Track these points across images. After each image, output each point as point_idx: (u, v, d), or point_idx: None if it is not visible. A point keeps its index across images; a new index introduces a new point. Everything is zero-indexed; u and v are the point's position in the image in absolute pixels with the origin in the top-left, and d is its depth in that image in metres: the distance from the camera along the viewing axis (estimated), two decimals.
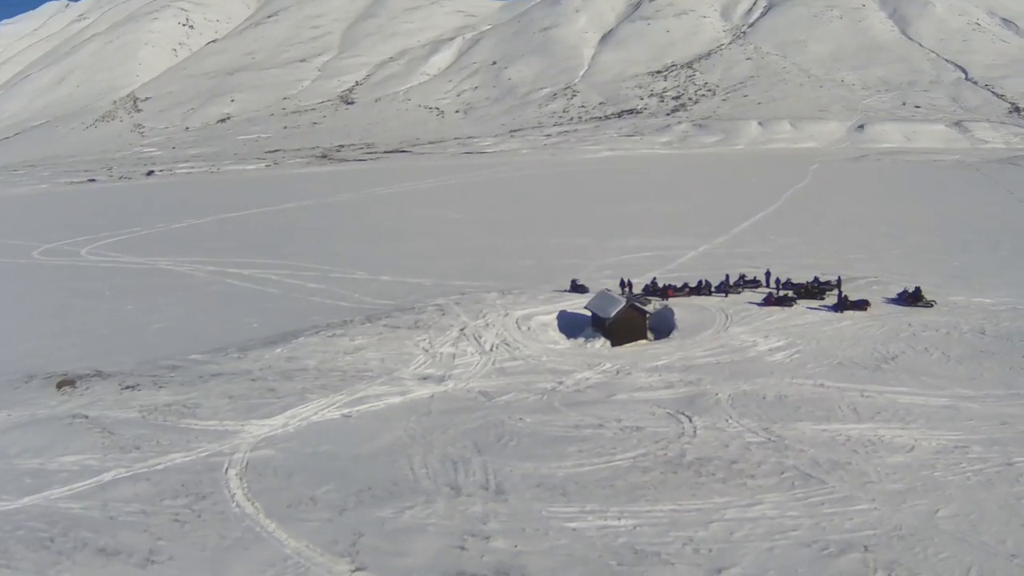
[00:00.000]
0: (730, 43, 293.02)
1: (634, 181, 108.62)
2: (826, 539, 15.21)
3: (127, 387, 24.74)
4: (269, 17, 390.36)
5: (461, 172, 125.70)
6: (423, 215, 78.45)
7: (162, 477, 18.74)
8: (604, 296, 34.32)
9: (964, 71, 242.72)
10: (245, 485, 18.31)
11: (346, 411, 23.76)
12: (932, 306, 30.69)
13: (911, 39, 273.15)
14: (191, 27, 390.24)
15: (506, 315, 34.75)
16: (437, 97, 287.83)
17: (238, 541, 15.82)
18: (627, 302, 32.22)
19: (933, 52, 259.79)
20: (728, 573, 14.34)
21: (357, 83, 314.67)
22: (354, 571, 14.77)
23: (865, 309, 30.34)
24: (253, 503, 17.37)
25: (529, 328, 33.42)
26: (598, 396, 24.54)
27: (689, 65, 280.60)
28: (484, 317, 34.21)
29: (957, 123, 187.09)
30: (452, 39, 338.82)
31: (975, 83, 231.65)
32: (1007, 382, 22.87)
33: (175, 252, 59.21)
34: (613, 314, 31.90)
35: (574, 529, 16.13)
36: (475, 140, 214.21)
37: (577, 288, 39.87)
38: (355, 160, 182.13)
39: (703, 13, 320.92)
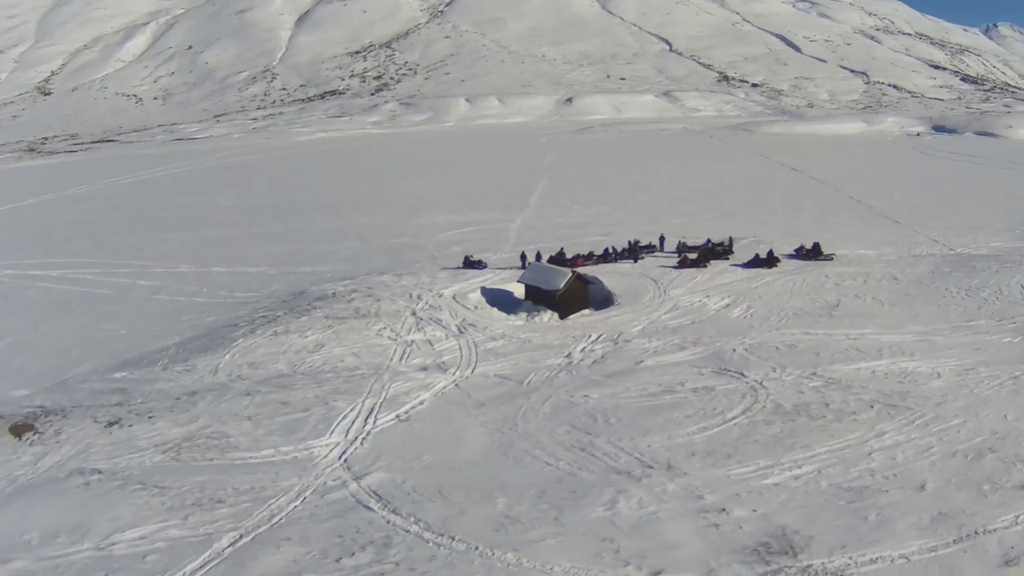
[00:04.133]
0: (427, 22, 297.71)
1: (375, 160, 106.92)
2: (958, 449, 17.82)
3: (110, 423, 18.26)
4: None
5: (186, 159, 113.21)
6: (189, 202, 69.65)
7: (300, 533, 14.82)
8: (541, 268, 34.33)
9: (668, 43, 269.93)
10: (414, 519, 15.34)
11: (399, 415, 20.93)
12: (832, 259, 35.67)
13: (612, 14, 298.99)
14: None
15: (440, 295, 33.07)
16: (134, 84, 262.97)
17: None
18: (572, 273, 32.90)
19: (635, 26, 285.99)
20: (929, 488, 16.20)
21: (53, 73, 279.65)
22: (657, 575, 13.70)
23: (776, 265, 35.17)
24: (453, 538, 14.73)
25: (476, 307, 32.29)
26: (626, 365, 24.85)
27: (388, 45, 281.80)
28: (421, 299, 32.18)
29: (666, 93, 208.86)
30: (146, 24, 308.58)
31: (680, 54, 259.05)
32: (944, 318, 27.52)
33: None
34: (562, 285, 32.30)
35: (776, 484, 16.70)
36: (180, 126, 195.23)
37: (472, 264, 39.21)
38: (64, 152, 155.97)
39: None
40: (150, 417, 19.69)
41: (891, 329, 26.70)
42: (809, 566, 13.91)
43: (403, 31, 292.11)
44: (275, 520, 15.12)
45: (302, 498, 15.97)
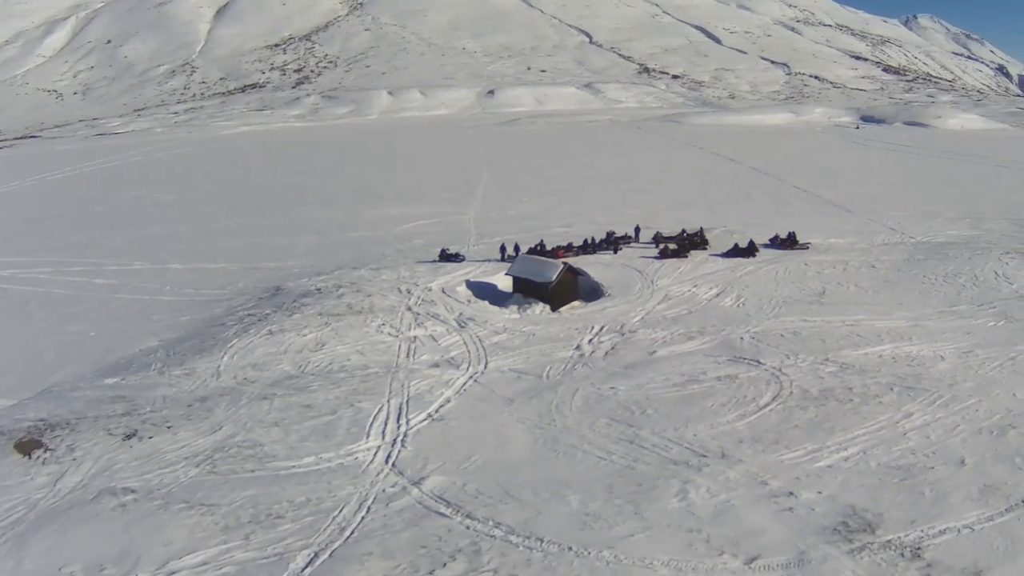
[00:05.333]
0: (347, 15, 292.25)
1: (307, 153, 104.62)
2: (982, 426, 18.68)
3: (128, 436, 16.51)
4: None
5: (112, 153, 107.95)
6: (128, 198, 66.13)
7: (379, 546, 13.94)
8: (532, 260, 33.88)
9: (588, 35, 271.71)
10: (493, 523, 14.79)
11: (431, 414, 20.14)
12: (808, 248, 36.45)
13: (532, 6, 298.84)
14: None
15: (429, 289, 32.17)
16: (54, 79, 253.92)
17: None
18: (564, 265, 32.59)
19: (555, 18, 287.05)
20: (968, 463, 16.97)
21: None
22: (750, 562, 13.60)
23: (756, 255, 35.86)
24: (542, 540, 14.23)
25: (469, 301, 31.59)
26: (641, 356, 24.81)
27: (307, 38, 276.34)
28: (412, 294, 31.23)
29: (587, 85, 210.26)
30: (66, 19, 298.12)
31: (600, 46, 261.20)
32: (928, 303, 28.53)
33: None
34: (554, 277, 31.96)
35: (830, 467, 17.07)
36: (101, 121, 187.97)
37: (449, 257, 38.56)
38: None
39: None
40: (168, 427, 18.29)
41: (881, 315, 27.64)
42: (889, 541, 14.33)
43: (322, 24, 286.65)
44: (348, 534, 14.25)
45: (366, 508, 15.15)
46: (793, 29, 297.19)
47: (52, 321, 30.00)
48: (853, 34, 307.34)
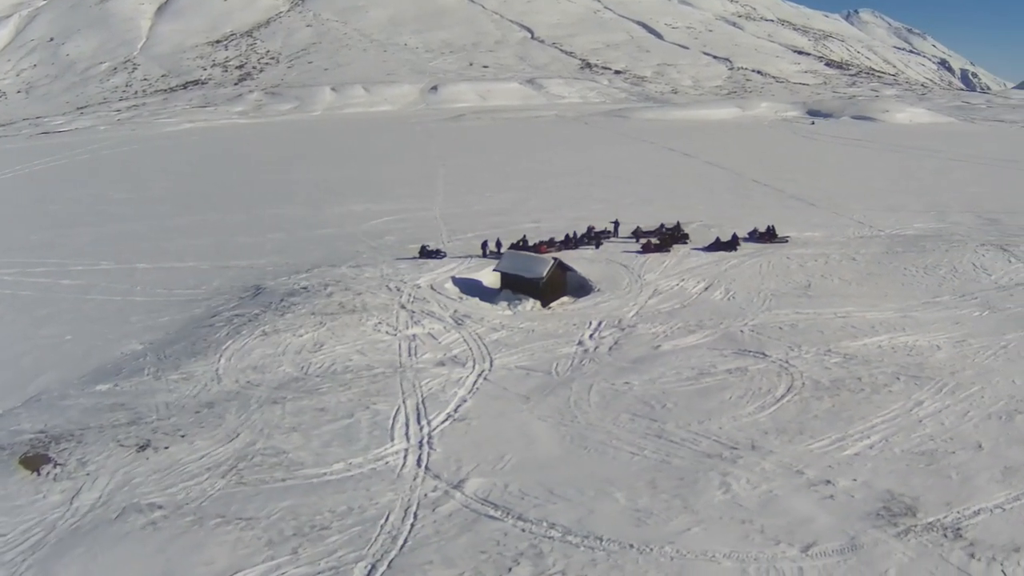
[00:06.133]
0: (289, 11, 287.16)
1: (256, 149, 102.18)
2: (990, 411, 19.33)
3: (141, 447, 15.36)
4: None
5: (58, 152, 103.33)
6: (81, 196, 63.53)
7: (438, 554, 13.42)
8: (520, 256, 33.48)
9: (530, 31, 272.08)
10: (547, 524, 14.42)
11: (450, 414, 19.60)
12: (787, 242, 36.89)
13: (473, 2, 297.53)
14: None
15: (418, 287, 31.42)
16: None
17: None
18: (554, 260, 32.29)
19: (497, 14, 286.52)
20: (985, 447, 17.50)
21: None
22: (806, 550, 13.62)
23: (737, 248, 36.24)
24: (601, 539, 13.98)
25: (461, 298, 30.99)
26: (646, 351, 24.77)
27: (249, 34, 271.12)
28: (401, 291, 30.45)
29: (530, 80, 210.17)
30: (9, 17, 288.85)
31: (542, 42, 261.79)
32: (912, 295, 29.20)
33: None
34: (544, 273, 31.65)
35: (857, 454, 17.41)
36: (44, 120, 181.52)
37: (430, 254, 37.90)
38: None
39: None
40: (182, 436, 17.29)
41: (869, 307, 28.19)
42: (930, 523, 14.68)
43: (264, 20, 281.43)
44: (401, 543, 13.70)
45: (412, 514, 14.63)
46: (735, 24, 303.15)
47: (24, 324, 28.49)
48: (795, 29, 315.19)
